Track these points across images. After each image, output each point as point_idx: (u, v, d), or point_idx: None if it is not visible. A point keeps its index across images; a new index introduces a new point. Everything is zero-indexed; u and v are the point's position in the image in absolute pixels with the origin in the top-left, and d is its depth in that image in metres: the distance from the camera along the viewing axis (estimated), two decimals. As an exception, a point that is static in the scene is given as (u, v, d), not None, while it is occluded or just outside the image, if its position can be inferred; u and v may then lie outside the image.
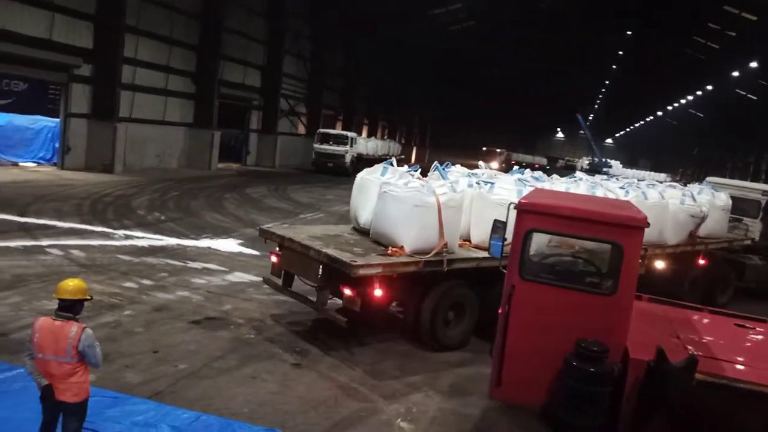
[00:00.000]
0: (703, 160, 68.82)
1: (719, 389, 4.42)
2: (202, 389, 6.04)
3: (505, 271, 5.43)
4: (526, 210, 5.28)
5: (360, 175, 8.79)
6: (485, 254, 7.57)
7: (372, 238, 7.99)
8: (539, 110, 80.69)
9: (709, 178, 15.33)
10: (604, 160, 58.56)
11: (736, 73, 47.65)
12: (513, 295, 5.19)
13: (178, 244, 7.55)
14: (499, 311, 5.32)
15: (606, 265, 5.69)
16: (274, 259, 8.21)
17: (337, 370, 6.84)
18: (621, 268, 5.03)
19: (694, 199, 11.21)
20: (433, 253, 7.38)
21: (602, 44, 55.80)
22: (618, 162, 64.07)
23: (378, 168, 8.59)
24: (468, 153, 54.16)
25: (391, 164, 8.53)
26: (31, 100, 21.75)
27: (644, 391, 4.59)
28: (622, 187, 10.53)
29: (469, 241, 8.40)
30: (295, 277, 8.06)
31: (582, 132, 70.70)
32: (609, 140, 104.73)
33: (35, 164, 21.43)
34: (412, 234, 7.39)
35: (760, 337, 5.87)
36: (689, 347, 5.01)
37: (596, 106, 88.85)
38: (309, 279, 7.69)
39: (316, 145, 32.74)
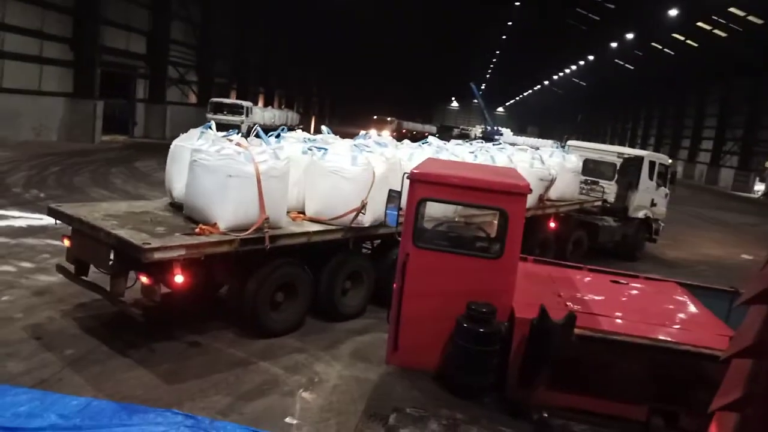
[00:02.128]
0: (586, 127, 73.02)
1: (597, 342, 4.79)
2: (91, 375, 5.80)
3: (399, 239, 5.55)
4: (417, 179, 5.40)
5: (174, 142, 7.84)
6: (319, 227, 7.47)
7: (185, 214, 7.11)
8: (434, 80, 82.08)
9: (570, 142, 15.94)
10: (495, 128, 60.71)
11: (614, 44, 50.63)
12: (407, 263, 5.32)
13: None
14: (394, 285, 5.45)
15: (493, 230, 5.96)
16: (66, 243, 7.05)
17: (236, 346, 6.77)
18: (506, 233, 5.29)
19: (543, 162, 11.37)
20: (251, 229, 6.60)
21: (493, 14, 57.31)
22: (509, 130, 66.67)
23: (195, 133, 7.62)
24: (365, 122, 54.26)
25: (209, 128, 7.53)
26: None
27: (529, 347, 4.90)
28: (471, 152, 10.52)
29: (304, 213, 7.83)
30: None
31: (475, 101, 72.80)
32: (501, 109, 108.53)
33: None
34: (227, 209, 6.54)
35: (633, 292, 6.39)
36: (569, 304, 5.38)
37: (488, 76, 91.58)
38: (100, 266, 6.62)
39: (210, 115, 31.59)
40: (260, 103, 43.24)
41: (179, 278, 6.19)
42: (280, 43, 46.18)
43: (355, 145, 8.12)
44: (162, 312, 6.89)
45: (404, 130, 52.28)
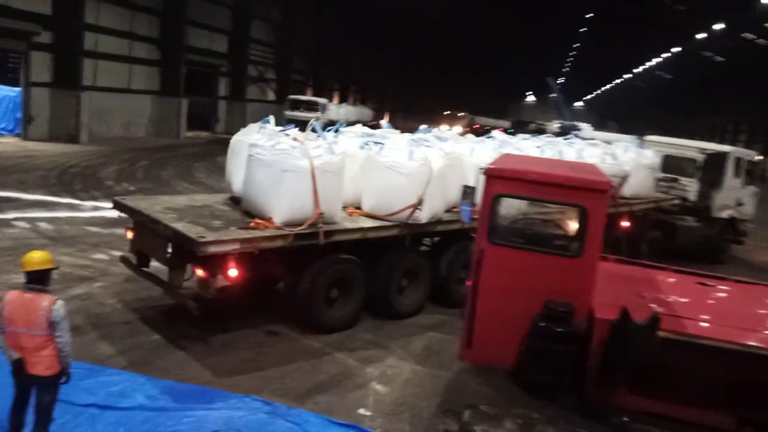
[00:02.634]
0: (671, 122, 69.76)
1: (682, 346, 4.59)
2: (176, 359, 6.08)
3: (474, 235, 5.51)
4: (493, 175, 5.34)
5: (234, 137, 7.87)
6: (374, 223, 7.34)
7: (243, 208, 7.11)
8: (510, 74, 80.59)
9: (648, 137, 15.11)
10: (573, 123, 59.01)
11: (702, 35, 48.06)
12: (482, 259, 5.28)
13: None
14: (467, 282, 5.42)
15: (572, 227, 5.81)
16: (129, 235, 7.20)
17: (312, 337, 6.92)
18: (586, 231, 5.15)
19: (615, 158, 10.81)
20: (306, 224, 6.53)
21: (572, 6, 55.67)
22: (589, 125, 64.65)
23: (254, 127, 7.61)
24: (438, 117, 54.06)
25: (268, 122, 7.50)
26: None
27: (609, 349, 4.75)
28: (538, 147, 10.19)
29: (361, 209, 7.65)
30: None
31: (553, 95, 70.91)
32: (579, 103, 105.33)
33: (-4, 135, 20.85)
34: (281, 203, 6.49)
35: (721, 294, 6.08)
36: (653, 306, 5.18)
37: (567, 69, 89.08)
38: (159, 259, 6.72)
39: (287, 112, 32.36)
40: (335, 100, 43.84)
41: (233, 272, 6.18)
42: (356, 40, 46.63)
43: (412, 139, 7.93)
44: (239, 301, 7.12)
45: (476, 125, 51.65)
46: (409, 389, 6.03)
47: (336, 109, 35.64)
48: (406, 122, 12.39)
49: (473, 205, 5.80)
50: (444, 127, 12.36)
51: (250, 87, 33.94)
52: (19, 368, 4.06)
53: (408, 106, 66.38)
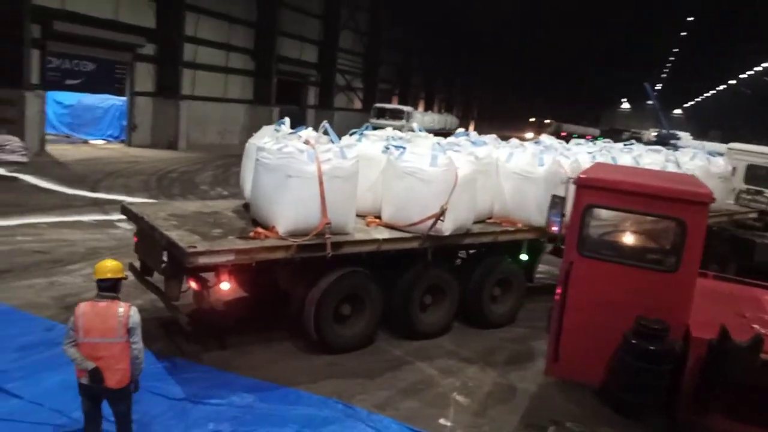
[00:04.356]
0: (779, 131, 65.09)
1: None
2: (261, 359, 6.25)
3: (563, 247, 5.35)
4: (585, 185, 5.17)
5: (249, 140, 7.35)
6: (390, 234, 6.71)
7: (250, 216, 6.67)
8: (602, 80, 77.91)
9: (731, 145, 13.63)
10: (671, 131, 56.22)
11: (817, 38, 44.60)
12: (571, 272, 5.12)
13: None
14: (557, 291, 5.26)
15: (668, 241, 5.53)
16: (135, 240, 6.94)
17: (393, 344, 6.93)
18: (684, 245, 4.89)
19: (678, 166, 9.72)
20: (311, 235, 5.95)
21: (670, 9, 53.20)
22: (687, 133, 61.42)
23: (267, 130, 7.10)
24: (524, 125, 53.08)
25: (283, 124, 6.93)
26: (99, 79, 22.55)
27: (706, 370, 4.48)
28: (590, 152, 9.34)
29: (380, 218, 7.04)
30: None
31: (649, 102, 67.86)
32: (678, 111, 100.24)
33: (104, 141, 22.34)
34: (286, 211, 5.95)
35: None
36: (755, 326, 4.84)
37: (665, 74, 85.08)
38: (155, 268, 6.26)
39: (373, 120, 32.80)
40: (421, 108, 44.01)
41: (225, 285, 5.73)
42: (442, 48, 46.66)
43: (438, 143, 7.20)
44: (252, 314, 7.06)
45: (563, 133, 50.28)
46: (491, 402, 5.92)
47: (421, 117, 35.76)
48: (492, 130, 12.07)
49: (563, 215, 5.63)
50: (529, 135, 11.38)
51: (338, 96, 34.67)
52: (95, 378, 3.96)
53: (495, 113, 65.60)
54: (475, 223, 7.38)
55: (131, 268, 6.92)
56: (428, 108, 46.91)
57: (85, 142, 21.87)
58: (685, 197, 4.97)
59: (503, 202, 7.82)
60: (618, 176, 5.59)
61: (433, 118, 38.19)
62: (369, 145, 7.48)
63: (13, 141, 15.89)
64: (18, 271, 7.97)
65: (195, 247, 5.47)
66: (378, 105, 34.02)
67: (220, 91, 26.22)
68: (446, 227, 6.74)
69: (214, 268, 5.70)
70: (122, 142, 22.26)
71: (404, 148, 7.05)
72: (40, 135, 17.70)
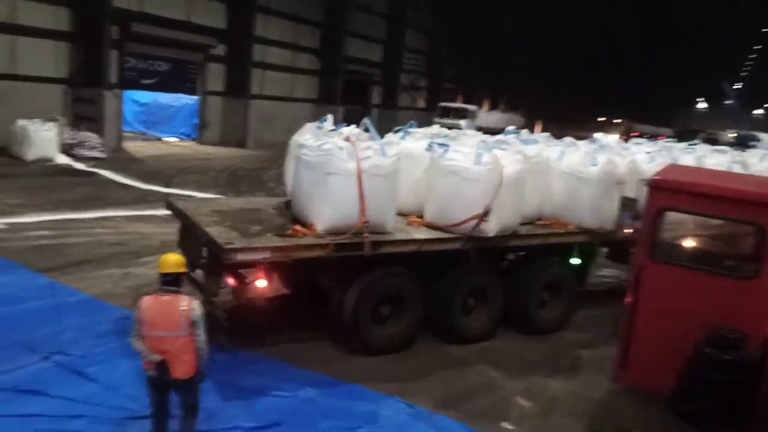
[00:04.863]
0: None
1: None
2: (325, 356, 6.31)
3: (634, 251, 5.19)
4: (658, 187, 5.00)
5: (292, 137, 7.30)
6: (431, 235, 6.54)
7: (292, 213, 6.63)
8: (677, 78, 74.88)
9: None
10: (751, 133, 53.49)
11: None
12: (642, 277, 4.96)
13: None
14: (627, 297, 5.11)
15: (747, 246, 5.28)
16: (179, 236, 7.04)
17: (456, 345, 6.87)
18: (764, 251, 4.65)
19: (745, 168, 8.93)
20: (349, 233, 5.89)
21: (753, 3, 50.57)
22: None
23: (310, 127, 7.00)
24: (593, 125, 51.65)
25: (325, 121, 6.84)
26: (172, 79, 23.47)
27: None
28: (648, 152, 8.70)
29: (422, 217, 6.88)
30: None
31: (728, 101, 64.78)
32: (760, 111, 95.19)
33: (177, 139, 23.19)
34: (324, 209, 5.92)
35: None
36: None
37: (745, 72, 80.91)
38: (196, 263, 6.21)
39: (437, 119, 32.68)
40: (486, 107, 43.50)
41: (261, 282, 5.73)
42: (507, 46, 45.95)
43: (483, 141, 6.93)
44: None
45: (634, 133, 48.58)
46: (556, 407, 5.80)
47: (485, 116, 35.38)
48: (561, 130, 11.72)
49: (635, 218, 5.45)
50: (598, 135, 10.67)
51: (402, 95, 34.73)
52: (161, 370, 4.04)
53: (564, 113, 64.15)
54: (523, 224, 7.14)
55: None
56: (494, 107, 46.29)
57: (159, 139, 22.77)
58: (766, 201, 4.72)
59: (554, 202, 7.50)
60: (693, 178, 5.38)
61: (499, 117, 37.67)
62: (412, 143, 7.35)
63: (93, 138, 16.74)
64: (96, 262, 8.39)
65: (232, 243, 5.51)
66: (442, 104, 33.87)
67: (287, 91, 26.73)
68: (490, 228, 6.52)
69: (252, 265, 5.71)
70: (194, 139, 23.06)
71: (448, 145, 6.85)
72: (117, 132, 18.55)
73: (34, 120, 15.46)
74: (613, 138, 17.60)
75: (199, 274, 6.35)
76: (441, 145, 6.88)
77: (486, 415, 5.49)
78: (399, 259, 6.32)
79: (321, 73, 28.20)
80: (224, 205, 7.17)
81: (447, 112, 32.78)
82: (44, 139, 15.47)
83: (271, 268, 5.78)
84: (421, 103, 37.42)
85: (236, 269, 5.77)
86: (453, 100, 37.94)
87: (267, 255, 5.59)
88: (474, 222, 6.42)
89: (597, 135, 8.44)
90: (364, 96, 32.83)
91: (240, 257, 5.44)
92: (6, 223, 9.69)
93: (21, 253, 8.34)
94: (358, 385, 5.71)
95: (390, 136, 7.26)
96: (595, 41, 55.13)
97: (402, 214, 6.80)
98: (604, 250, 8.53)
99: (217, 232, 5.83)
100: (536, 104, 60.61)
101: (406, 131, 7.70)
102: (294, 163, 6.71)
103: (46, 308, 6.68)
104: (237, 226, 6.13)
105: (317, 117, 6.66)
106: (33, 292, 7.07)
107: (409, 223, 6.80)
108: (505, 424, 5.39)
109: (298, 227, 6.00)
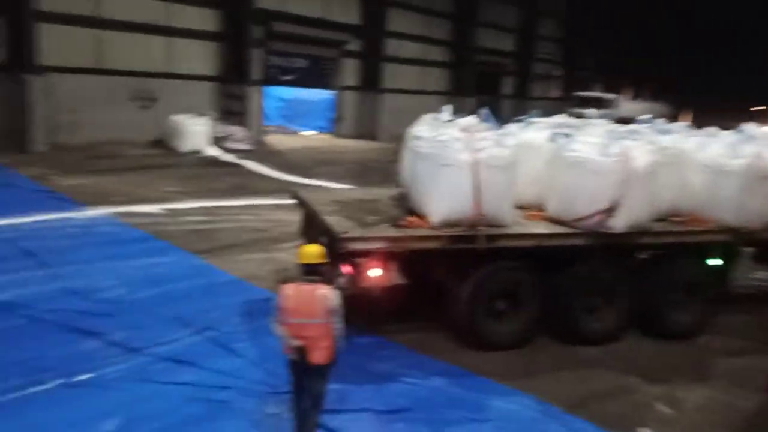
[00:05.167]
0: None
1: None
2: (450, 346, 6.29)
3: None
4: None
5: (408, 129, 7.18)
6: (552, 229, 6.27)
7: (408, 204, 6.62)
8: None
9: None
10: None
11: None
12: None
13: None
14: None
15: None
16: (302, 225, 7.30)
17: (587, 345, 6.59)
18: None
19: None
20: (464, 226, 5.85)
21: None
22: None
23: (427, 118, 6.88)
24: (748, 116, 47.02)
25: (443, 112, 6.60)
26: (309, 75, 24.44)
27: None
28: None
29: (543, 211, 6.62)
30: None
31: None
32: None
33: (314, 132, 24.20)
34: (438, 201, 5.88)
35: None
36: None
37: None
38: None
39: (573, 109, 31.39)
40: (628, 95, 41.12)
41: (376, 272, 5.76)
42: (649, 29, 43.04)
43: (611, 130, 6.53)
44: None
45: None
46: (700, 416, 5.41)
47: (628, 106, 33.44)
48: (712, 120, 10.70)
49: None
50: (747, 125, 9.07)
51: (535, 85, 33.78)
52: (300, 356, 4.20)
53: (715, 102, 59.12)
54: (656, 220, 6.62)
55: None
56: (637, 96, 43.65)
57: (296, 132, 23.88)
58: None
59: (692, 198, 6.87)
60: None
61: (643, 106, 35.46)
62: (534, 133, 7.10)
63: (239, 131, 17.94)
64: (243, 246, 9.01)
65: (347, 232, 5.70)
66: (579, 93, 32.49)
67: (419, 84, 26.95)
68: (618, 224, 6.13)
69: (366, 255, 5.76)
70: (329, 133, 23.95)
71: (572, 135, 6.55)
72: (259, 126, 19.72)
73: (187, 115, 16.87)
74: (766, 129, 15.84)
75: None
76: (565, 135, 6.61)
77: (622, 419, 5.24)
78: (516, 253, 6.15)
79: (452, 65, 28.14)
80: (344, 195, 7.44)
81: (583, 102, 31.38)
82: (196, 132, 16.83)
83: (385, 258, 5.83)
84: (556, 93, 36.14)
85: (351, 258, 5.83)
86: (590, 89, 36.26)
87: (380, 245, 5.71)
88: (599, 217, 6.10)
89: (746, 125, 7.42)
90: (496, 87, 32.31)
91: (354, 246, 5.59)
92: (165, 209, 10.67)
93: (178, 237, 9.17)
94: (487, 378, 5.68)
95: (511, 127, 7.11)
96: (754, 25, 50.14)
97: (521, 208, 6.64)
98: (750, 251, 7.79)
99: (334, 221, 6.06)
100: (685, 93, 56.32)
101: (528, 121, 7.48)
102: (409, 155, 6.75)
103: (198, 287, 7.32)
104: (353, 216, 6.32)
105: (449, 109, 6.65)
106: (188, 272, 7.79)
107: (529, 217, 6.59)
108: (642, 430, 5.11)
109: (412, 218, 6.07)
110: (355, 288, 5.96)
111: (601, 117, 6.63)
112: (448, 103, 6.93)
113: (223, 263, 8.19)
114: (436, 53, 27.50)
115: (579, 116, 7.60)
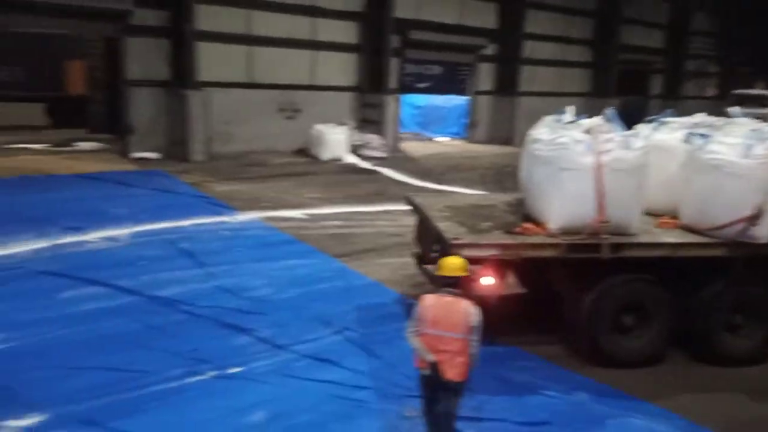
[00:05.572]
0: None
1: None
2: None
3: None
4: None
5: (528, 132, 6.87)
6: (686, 239, 5.78)
7: (525, 210, 6.41)
8: None
9: None
10: None
11: None
12: None
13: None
14: None
15: None
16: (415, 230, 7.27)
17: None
18: None
19: None
20: (584, 233, 5.53)
21: None
22: None
23: (547, 120, 6.52)
24: None
25: (564, 113, 6.27)
26: (443, 81, 24.57)
27: None
28: None
29: (676, 218, 6.13)
30: None
31: None
32: None
33: (448, 138, 24.22)
34: (557, 207, 5.64)
35: None
36: None
37: None
38: (427, 257, 6.38)
39: (730, 109, 28.71)
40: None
41: (488, 280, 5.55)
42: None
43: (754, 129, 5.87)
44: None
45: None
46: None
47: (795, 103, 30.11)
48: None
49: None
50: None
51: (687, 83, 31.39)
52: (434, 371, 4.10)
53: None
54: None
55: (413, 254, 7.34)
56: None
57: (430, 139, 24.05)
58: None
59: None
60: None
61: (812, 104, 31.77)
62: (667, 134, 6.65)
63: (375, 139, 18.41)
64: (379, 251, 9.24)
65: (459, 238, 5.58)
66: (737, 91, 29.72)
67: (557, 86, 26.06)
68: (763, 233, 5.62)
69: (478, 261, 5.56)
70: (463, 138, 23.87)
71: (709, 136, 6.01)
72: (395, 133, 20.08)
73: (328, 124, 17.60)
74: None
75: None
76: (701, 135, 6.10)
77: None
78: (644, 264, 5.76)
79: (593, 65, 26.92)
80: (459, 200, 7.45)
81: (742, 100, 28.65)
82: (336, 141, 17.50)
83: (500, 265, 5.65)
84: (711, 92, 33.35)
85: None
86: (751, 87, 33.06)
87: (493, 252, 5.55)
88: (741, 225, 5.60)
89: None
90: (642, 86, 30.44)
91: (466, 253, 5.35)
92: (307, 214, 11.21)
93: (319, 240, 9.60)
94: (632, 396, 5.36)
95: (641, 127, 6.68)
96: None
97: (652, 214, 6.27)
98: None
99: (446, 227, 6.00)
100: None
101: (661, 121, 6.97)
102: (527, 159, 6.54)
103: (338, 289, 7.61)
104: (466, 222, 6.24)
105: (589, 111, 6.38)
106: (328, 274, 8.12)
107: (660, 225, 6.19)
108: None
109: (528, 225, 5.92)
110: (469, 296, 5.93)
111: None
112: (588, 104, 6.63)
113: (361, 266, 8.44)
114: (576, 53, 26.45)
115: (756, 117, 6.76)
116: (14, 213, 9.70)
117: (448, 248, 5.50)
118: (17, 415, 4.66)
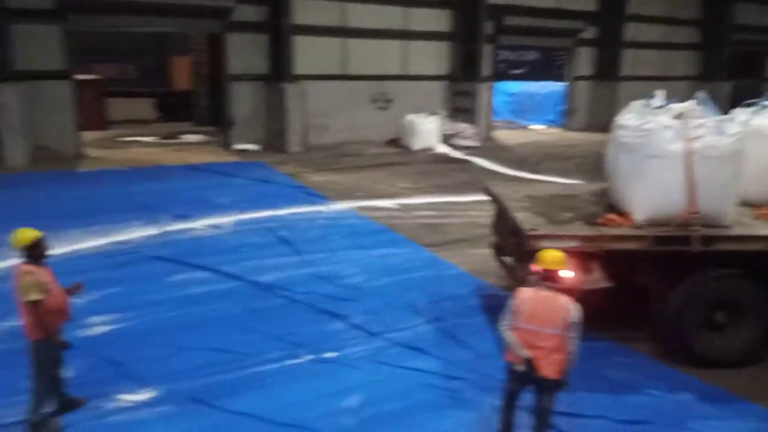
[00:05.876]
0: None
1: None
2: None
3: None
4: None
5: (615, 118, 6.45)
6: None
7: (609, 200, 6.13)
8: None
9: None
10: None
11: None
12: None
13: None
14: None
15: None
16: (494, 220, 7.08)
17: None
18: None
19: None
20: (673, 225, 5.22)
21: None
22: None
23: (635, 106, 6.12)
24: None
25: (653, 97, 5.86)
26: (539, 67, 23.87)
27: None
28: None
29: None
30: None
31: None
32: None
33: (543, 126, 23.59)
34: (643, 196, 5.37)
35: None
36: None
37: None
38: (506, 248, 6.29)
39: None
40: None
41: (567, 273, 5.01)
42: None
43: None
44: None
45: None
46: None
47: None
48: None
49: None
50: None
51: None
52: (529, 367, 4.00)
53: None
54: None
55: (490, 245, 7.23)
56: None
57: (524, 127, 23.50)
58: None
59: None
60: None
61: None
62: (767, 119, 6.18)
63: (467, 128, 18.22)
64: (470, 241, 9.15)
65: (536, 230, 5.42)
66: None
67: (662, 69, 24.69)
68: None
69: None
70: (559, 126, 23.15)
71: None
72: (488, 122, 19.79)
73: (419, 114, 17.60)
74: None
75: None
76: None
77: None
78: (739, 258, 5.41)
79: (702, 47, 25.25)
80: (538, 190, 7.21)
81: None
82: (427, 131, 17.47)
83: (581, 258, 5.37)
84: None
85: None
86: None
87: (573, 244, 5.30)
88: None
89: None
90: (758, 69, 28.25)
91: (543, 245, 5.10)
92: (399, 204, 11.31)
93: (411, 230, 9.67)
94: (739, 397, 5.06)
95: (737, 112, 6.21)
96: None
97: (748, 205, 5.95)
98: None
99: (524, 217, 5.84)
100: None
101: (762, 104, 6.46)
102: (612, 147, 6.22)
103: (429, 278, 7.65)
104: (545, 213, 6.07)
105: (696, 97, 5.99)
106: (419, 263, 8.18)
107: (759, 216, 5.85)
108: None
109: (612, 216, 5.71)
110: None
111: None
112: (696, 88, 6.25)
113: (452, 256, 8.43)
114: (683, 35, 24.91)
115: None
116: (129, 202, 10.43)
117: (524, 240, 5.38)
118: (131, 390, 5.04)
